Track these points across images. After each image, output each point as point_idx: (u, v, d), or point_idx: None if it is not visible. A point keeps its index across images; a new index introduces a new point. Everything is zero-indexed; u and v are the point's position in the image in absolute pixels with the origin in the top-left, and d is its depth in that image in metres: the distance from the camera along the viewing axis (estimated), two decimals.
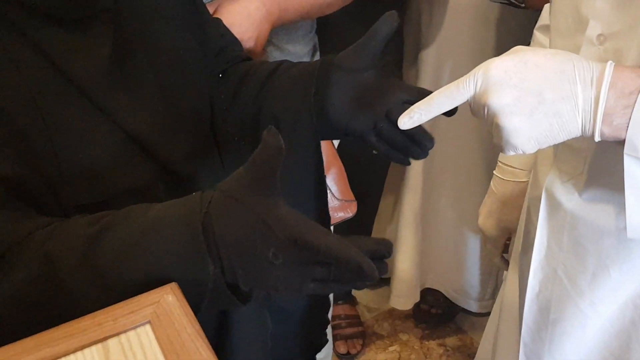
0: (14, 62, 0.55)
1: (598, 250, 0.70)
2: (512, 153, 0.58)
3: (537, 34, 0.91)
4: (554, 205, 0.74)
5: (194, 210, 0.51)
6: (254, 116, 0.72)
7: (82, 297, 0.50)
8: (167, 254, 0.51)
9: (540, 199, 0.76)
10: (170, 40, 0.68)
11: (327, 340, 0.87)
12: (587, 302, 0.73)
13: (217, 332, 0.68)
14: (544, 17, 0.89)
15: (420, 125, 0.62)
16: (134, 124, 0.61)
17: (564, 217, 0.72)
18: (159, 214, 0.53)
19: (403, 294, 1.74)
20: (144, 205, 0.55)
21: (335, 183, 1.15)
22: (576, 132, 0.55)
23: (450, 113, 0.63)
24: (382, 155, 0.68)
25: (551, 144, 0.57)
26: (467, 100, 0.58)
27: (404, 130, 0.61)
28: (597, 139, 0.55)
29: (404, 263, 1.68)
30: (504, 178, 1.02)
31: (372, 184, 1.60)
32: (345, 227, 1.16)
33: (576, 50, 0.64)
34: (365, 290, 1.97)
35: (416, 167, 1.57)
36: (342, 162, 1.16)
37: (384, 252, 0.52)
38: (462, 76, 0.58)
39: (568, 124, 0.55)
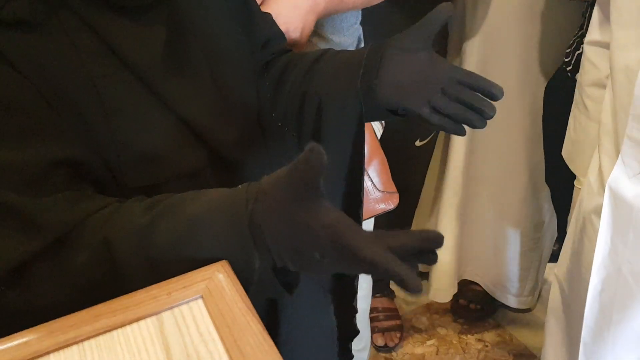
0: (75, 47, 0.57)
1: None
2: None
3: (587, 49, 0.90)
4: (619, 202, 0.72)
5: (241, 205, 0.52)
6: (299, 101, 0.73)
7: (135, 281, 0.52)
8: (214, 248, 0.52)
9: (602, 204, 0.74)
10: (220, 30, 0.69)
11: (358, 330, 0.87)
12: None
13: (266, 313, 0.69)
14: (593, 32, 0.88)
15: (478, 95, 0.62)
16: (187, 109, 0.63)
17: (630, 213, 0.71)
18: (208, 206, 0.54)
19: (443, 287, 1.74)
20: (192, 193, 0.57)
21: (377, 174, 1.15)
22: None
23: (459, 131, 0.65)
24: (436, 127, 0.67)
25: None
26: None
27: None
28: None
29: (444, 256, 1.68)
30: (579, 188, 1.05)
31: (413, 176, 1.60)
32: (386, 218, 1.17)
33: (639, 41, 0.63)
34: None
35: (457, 161, 1.56)
36: (385, 155, 1.16)
37: (432, 247, 0.52)
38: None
39: None
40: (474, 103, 0.65)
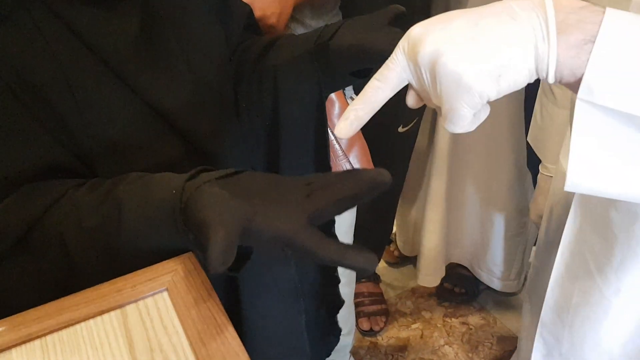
0: (45, 39, 0.56)
1: (629, 236, 0.67)
2: (465, 110, 0.45)
3: None
4: None
5: (180, 181, 0.51)
6: (257, 76, 0.72)
7: (94, 275, 0.52)
8: (149, 223, 0.51)
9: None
10: (196, 20, 0.68)
11: (343, 300, 0.88)
12: (612, 290, 0.71)
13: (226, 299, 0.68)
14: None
15: None
16: (162, 100, 0.62)
17: (600, 199, 0.70)
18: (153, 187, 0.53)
19: (430, 272, 1.75)
20: (139, 182, 0.55)
21: (358, 161, 1.15)
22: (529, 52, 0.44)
23: None
24: None
25: (506, 79, 0.44)
26: (407, 80, 0.50)
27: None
28: (551, 78, 0.44)
29: (431, 242, 1.69)
30: (544, 174, 1.05)
31: (397, 162, 1.60)
32: (370, 205, 1.17)
33: None
34: (388, 268, 1.97)
35: (443, 147, 1.56)
36: (368, 142, 1.15)
37: (382, 184, 0.47)
38: None
39: (515, 46, 0.43)
40: None
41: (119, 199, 0.53)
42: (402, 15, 0.65)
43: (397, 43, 0.49)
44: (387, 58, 0.53)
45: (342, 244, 0.45)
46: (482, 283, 1.78)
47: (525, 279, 1.83)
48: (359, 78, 0.69)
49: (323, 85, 0.68)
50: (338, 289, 0.87)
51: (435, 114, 1.51)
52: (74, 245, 0.53)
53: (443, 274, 1.78)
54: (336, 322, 0.91)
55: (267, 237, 0.45)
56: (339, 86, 0.74)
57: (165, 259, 0.52)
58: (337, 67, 0.66)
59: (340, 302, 0.88)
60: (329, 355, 0.93)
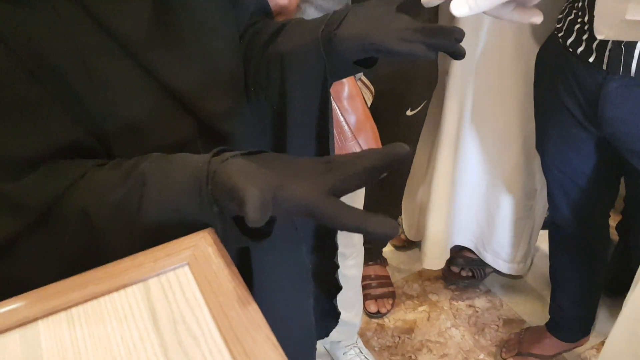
0: (61, 19, 0.56)
1: None
2: None
3: None
4: None
5: (204, 161, 0.53)
6: (265, 62, 0.72)
7: (118, 249, 0.53)
8: (174, 196, 0.53)
9: None
10: (207, 2, 0.69)
11: (341, 286, 0.89)
12: None
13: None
14: None
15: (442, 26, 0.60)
16: (175, 80, 0.63)
17: None
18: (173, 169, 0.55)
19: (436, 255, 1.76)
20: (162, 162, 0.57)
21: (367, 143, 1.15)
22: None
23: (456, 54, 0.61)
24: (407, 56, 0.61)
25: None
26: None
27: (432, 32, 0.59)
28: None
29: (437, 225, 1.69)
30: None
31: (405, 144, 1.60)
32: (378, 187, 1.17)
33: None
34: (395, 251, 1.99)
35: (450, 130, 1.56)
36: (376, 124, 1.16)
37: (401, 156, 0.49)
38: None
39: None
40: (440, 30, 0.61)
41: (143, 173, 0.54)
42: None
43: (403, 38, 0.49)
44: (394, 53, 0.57)
45: (364, 211, 0.46)
46: (489, 266, 1.79)
47: (531, 262, 1.84)
48: (365, 67, 0.70)
49: (328, 75, 0.68)
50: (337, 274, 0.88)
51: (443, 96, 1.51)
52: (97, 220, 0.54)
53: (448, 256, 1.79)
54: (335, 306, 0.92)
55: (292, 205, 0.47)
56: (344, 74, 0.75)
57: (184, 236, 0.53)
58: (343, 57, 0.66)
59: (338, 287, 0.89)
60: (327, 335, 0.95)
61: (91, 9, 0.57)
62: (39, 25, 0.55)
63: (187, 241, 0.51)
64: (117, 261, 0.51)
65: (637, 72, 1.04)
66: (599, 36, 0.72)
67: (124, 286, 0.49)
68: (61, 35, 0.56)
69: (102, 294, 0.48)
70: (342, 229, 0.47)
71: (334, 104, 1.10)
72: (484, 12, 0.56)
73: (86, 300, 0.48)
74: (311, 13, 1.06)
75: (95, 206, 0.54)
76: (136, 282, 0.49)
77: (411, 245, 1.98)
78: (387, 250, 1.97)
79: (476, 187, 1.66)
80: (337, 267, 0.87)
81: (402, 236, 1.98)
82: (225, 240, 0.52)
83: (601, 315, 1.67)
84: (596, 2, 0.64)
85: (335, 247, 0.85)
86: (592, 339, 1.65)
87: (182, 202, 0.52)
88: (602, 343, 1.59)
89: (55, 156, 0.57)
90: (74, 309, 0.47)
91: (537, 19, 0.58)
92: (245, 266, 0.67)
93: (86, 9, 0.57)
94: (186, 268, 0.50)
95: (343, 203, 0.47)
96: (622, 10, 0.53)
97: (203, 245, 0.51)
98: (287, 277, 0.74)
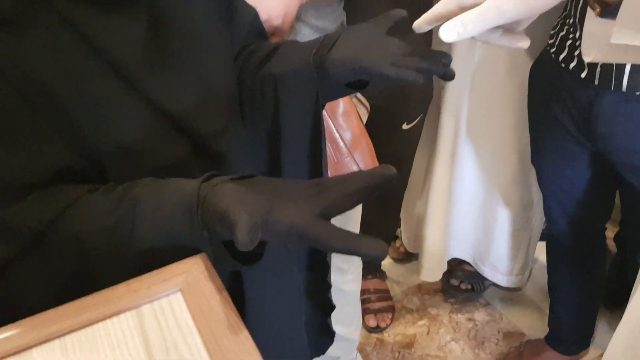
0: (54, 43, 0.57)
1: None
2: None
3: None
4: None
5: (194, 186, 0.54)
6: (259, 84, 0.73)
7: (110, 275, 0.53)
8: (164, 223, 0.54)
9: None
10: (202, 23, 0.69)
11: (334, 305, 0.89)
12: None
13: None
14: None
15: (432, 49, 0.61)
16: (169, 101, 0.63)
17: None
18: (163, 194, 0.56)
19: (433, 267, 1.76)
20: (153, 186, 0.58)
21: (362, 159, 1.16)
22: None
23: (446, 76, 0.62)
24: (396, 81, 0.62)
25: None
26: None
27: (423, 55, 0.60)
28: None
29: (434, 237, 1.70)
30: None
31: (402, 159, 1.61)
32: (375, 200, 1.18)
33: None
34: (394, 264, 1.99)
35: (446, 142, 1.57)
36: (373, 139, 1.16)
37: (389, 177, 0.51)
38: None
39: None
40: (429, 55, 0.62)
41: (134, 198, 0.55)
42: (403, 20, 0.66)
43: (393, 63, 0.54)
44: (384, 77, 0.59)
45: (354, 233, 0.47)
46: (488, 279, 1.79)
47: (530, 273, 1.84)
48: (356, 90, 0.71)
49: (321, 96, 0.69)
50: (330, 293, 0.89)
51: (439, 109, 1.52)
52: (90, 245, 0.54)
53: (445, 269, 1.79)
54: (329, 324, 0.93)
55: (283, 229, 0.48)
56: (337, 96, 0.76)
57: (175, 261, 0.53)
58: (335, 80, 0.67)
59: (331, 307, 0.90)
60: (323, 353, 0.95)
61: (85, 32, 0.58)
62: (32, 50, 0.56)
63: (180, 267, 0.52)
64: (111, 287, 0.51)
65: (629, 87, 1.05)
66: (587, 59, 0.74)
67: (118, 313, 0.49)
68: (54, 59, 0.57)
69: (96, 321, 0.49)
70: (332, 252, 0.48)
71: (329, 121, 1.11)
72: (473, 38, 0.57)
73: (80, 328, 0.48)
74: (306, 33, 1.07)
75: (87, 232, 0.55)
76: (130, 308, 0.49)
77: (410, 257, 1.98)
78: (386, 263, 1.97)
79: (473, 199, 1.67)
80: (330, 286, 0.87)
81: (401, 249, 1.98)
82: (217, 265, 0.53)
83: (600, 327, 1.67)
84: (583, 26, 0.65)
85: (327, 266, 0.85)
86: (592, 352, 1.65)
87: (174, 228, 0.53)
88: (601, 356, 1.59)
89: (49, 181, 0.57)
90: (67, 337, 0.48)
91: (524, 44, 0.59)
92: (237, 286, 0.67)
93: (80, 32, 0.58)
94: (179, 294, 0.50)
95: (333, 226, 0.48)
96: (607, 34, 0.55)
97: (196, 271, 0.51)
98: (279, 296, 0.75)
